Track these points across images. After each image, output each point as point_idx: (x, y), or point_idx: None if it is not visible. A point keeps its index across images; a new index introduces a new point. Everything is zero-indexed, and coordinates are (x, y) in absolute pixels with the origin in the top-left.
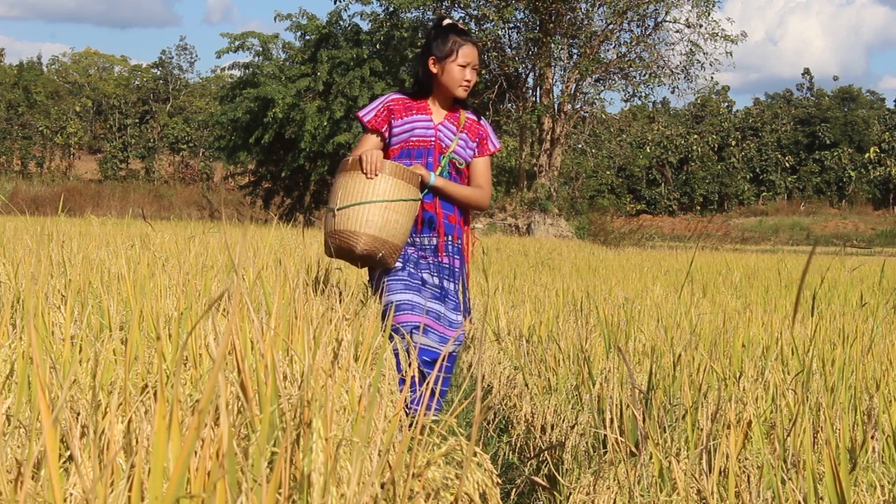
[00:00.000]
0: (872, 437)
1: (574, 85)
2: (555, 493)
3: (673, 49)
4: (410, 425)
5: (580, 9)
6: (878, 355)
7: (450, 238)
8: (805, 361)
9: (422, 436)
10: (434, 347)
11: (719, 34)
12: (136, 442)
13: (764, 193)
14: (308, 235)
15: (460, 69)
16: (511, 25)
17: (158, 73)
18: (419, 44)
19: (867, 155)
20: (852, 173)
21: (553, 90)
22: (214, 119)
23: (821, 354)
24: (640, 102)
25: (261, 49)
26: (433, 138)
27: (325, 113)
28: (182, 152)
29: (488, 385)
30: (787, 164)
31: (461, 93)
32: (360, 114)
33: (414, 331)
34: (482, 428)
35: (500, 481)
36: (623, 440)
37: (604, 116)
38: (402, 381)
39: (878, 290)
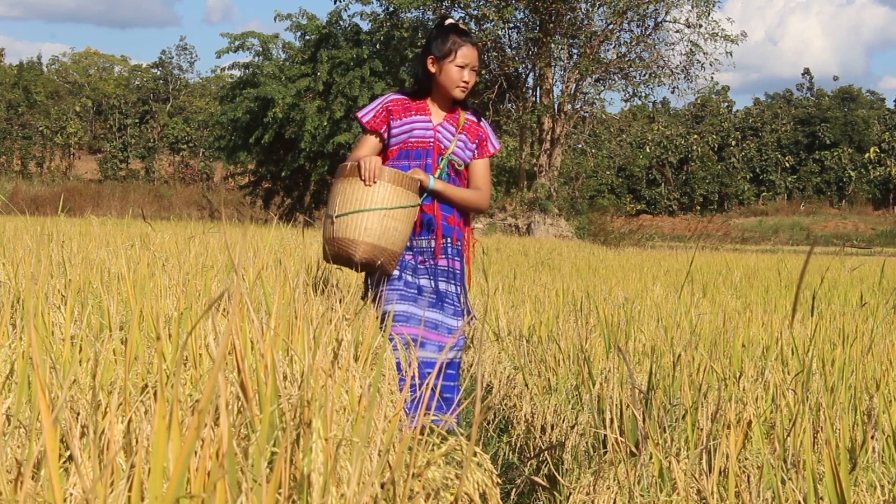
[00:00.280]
0: (872, 437)
1: (574, 85)
2: (555, 493)
3: (673, 49)
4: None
5: (580, 9)
6: (878, 355)
7: (449, 240)
8: (805, 361)
9: (422, 436)
10: (432, 359)
11: (719, 34)
12: (136, 442)
13: (764, 193)
14: (308, 235)
15: (458, 70)
16: (511, 25)
17: (158, 73)
18: (419, 44)
19: (867, 155)
20: (852, 173)
21: (553, 90)
22: (214, 119)
23: (821, 354)
24: (640, 102)
25: (261, 49)
26: (432, 139)
27: (325, 113)
28: (182, 152)
29: (488, 385)
30: (787, 164)
31: (458, 94)
32: (359, 114)
33: (411, 342)
34: (482, 428)
35: (500, 481)
36: (623, 440)
37: (604, 116)
38: (403, 381)
39: (878, 290)
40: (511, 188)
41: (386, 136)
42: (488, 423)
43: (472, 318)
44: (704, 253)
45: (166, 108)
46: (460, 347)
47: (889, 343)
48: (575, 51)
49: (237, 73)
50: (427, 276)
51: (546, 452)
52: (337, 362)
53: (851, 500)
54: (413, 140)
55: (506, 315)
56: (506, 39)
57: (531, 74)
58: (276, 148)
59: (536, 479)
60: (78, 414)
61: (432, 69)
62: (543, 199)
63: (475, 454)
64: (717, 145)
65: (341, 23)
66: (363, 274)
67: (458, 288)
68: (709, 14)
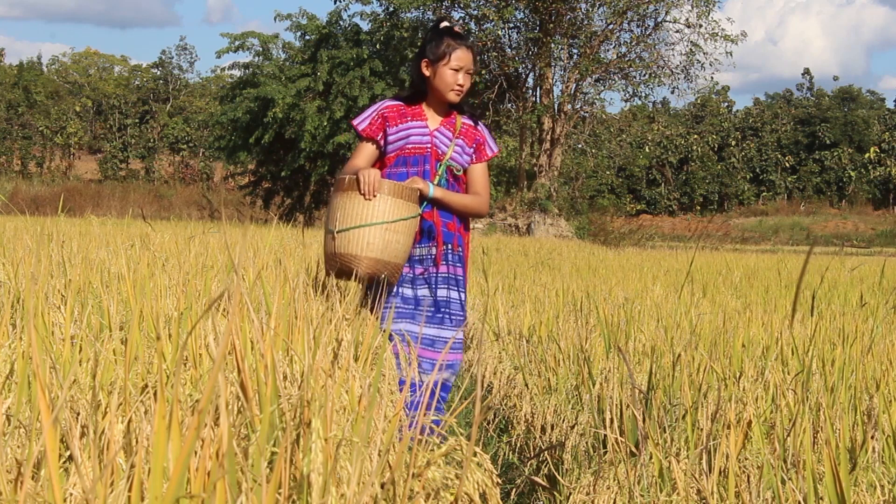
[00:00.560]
0: (872, 437)
1: (574, 85)
2: (555, 493)
3: (673, 49)
4: (410, 426)
5: (580, 9)
6: (878, 355)
7: (449, 246)
8: (805, 361)
9: (422, 436)
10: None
11: (719, 34)
12: (136, 442)
13: (764, 193)
14: (308, 235)
15: (453, 73)
16: (511, 25)
17: (158, 73)
18: (419, 44)
19: (867, 155)
20: (852, 173)
21: (553, 90)
22: (214, 119)
23: (821, 354)
24: (640, 102)
25: (261, 49)
26: (429, 145)
27: (325, 113)
28: (182, 152)
29: (488, 385)
30: (787, 164)
31: (453, 97)
32: (355, 122)
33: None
34: (482, 428)
35: (500, 481)
36: (623, 440)
37: (604, 116)
38: (402, 381)
39: (878, 290)
40: (511, 188)
41: (382, 143)
42: (488, 423)
43: (464, 325)
44: (704, 253)
45: (166, 108)
46: (454, 371)
47: (889, 343)
48: (575, 51)
49: (237, 73)
50: (426, 287)
51: (546, 452)
52: (337, 362)
53: (851, 500)
54: (410, 146)
55: (506, 315)
56: (506, 39)
57: (531, 74)
58: (276, 148)
59: (536, 479)
60: (78, 414)
61: (427, 73)
62: (543, 199)
63: (475, 454)
64: (717, 145)
65: (341, 23)
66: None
67: (461, 294)
68: (709, 14)
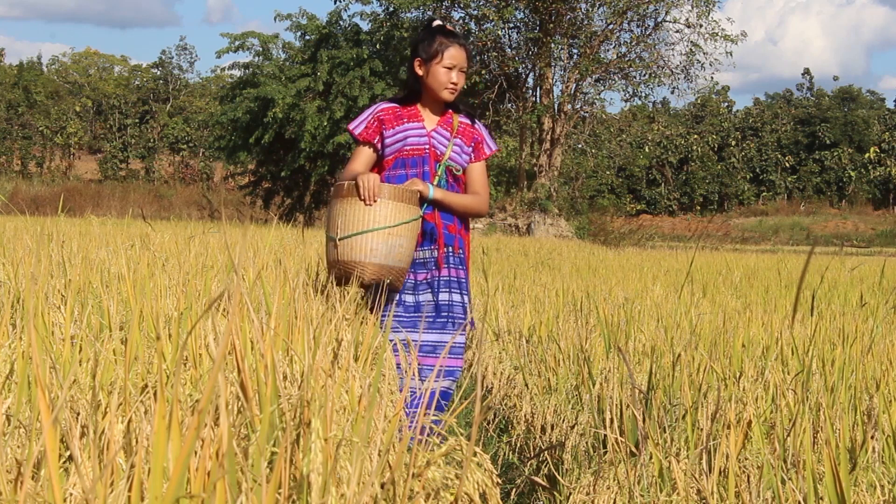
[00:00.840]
0: (872, 437)
1: (574, 85)
2: (555, 493)
3: (673, 49)
4: (410, 426)
5: (580, 9)
6: (878, 355)
7: (450, 249)
8: (805, 361)
9: (421, 436)
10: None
11: (719, 34)
12: (136, 442)
13: (764, 193)
14: (308, 235)
15: (446, 71)
16: (511, 25)
17: (158, 73)
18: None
19: (867, 155)
20: (852, 173)
21: (553, 90)
22: (214, 119)
23: (821, 354)
24: (640, 102)
25: (261, 49)
26: (427, 146)
27: (325, 113)
28: (182, 152)
29: (488, 385)
30: (787, 164)
31: (447, 95)
32: (351, 127)
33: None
34: (482, 428)
35: (500, 481)
36: (623, 440)
37: (604, 116)
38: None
39: (878, 290)
40: (511, 188)
41: (380, 146)
42: (488, 423)
43: (472, 327)
44: (704, 253)
45: (166, 108)
46: (455, 378)
47: (889, 343)
48: (575, 51)
49: (237, 73)
50: (429, 291)
51: (546, 452)
52: (337, 362)
53: (851, 500)
54: (408, 148)
55: (506, 315)
56: (506, 39)
57: (531, 74)
58: (276, 148)
59: (536, 479)
60: (78, 414)
61: (420, 72)
62: (543, 199)
63: (475, 454)
64: (717, 145)
65: (341, 23)
66: None
67: (464, 297)
68: (709, 14)
